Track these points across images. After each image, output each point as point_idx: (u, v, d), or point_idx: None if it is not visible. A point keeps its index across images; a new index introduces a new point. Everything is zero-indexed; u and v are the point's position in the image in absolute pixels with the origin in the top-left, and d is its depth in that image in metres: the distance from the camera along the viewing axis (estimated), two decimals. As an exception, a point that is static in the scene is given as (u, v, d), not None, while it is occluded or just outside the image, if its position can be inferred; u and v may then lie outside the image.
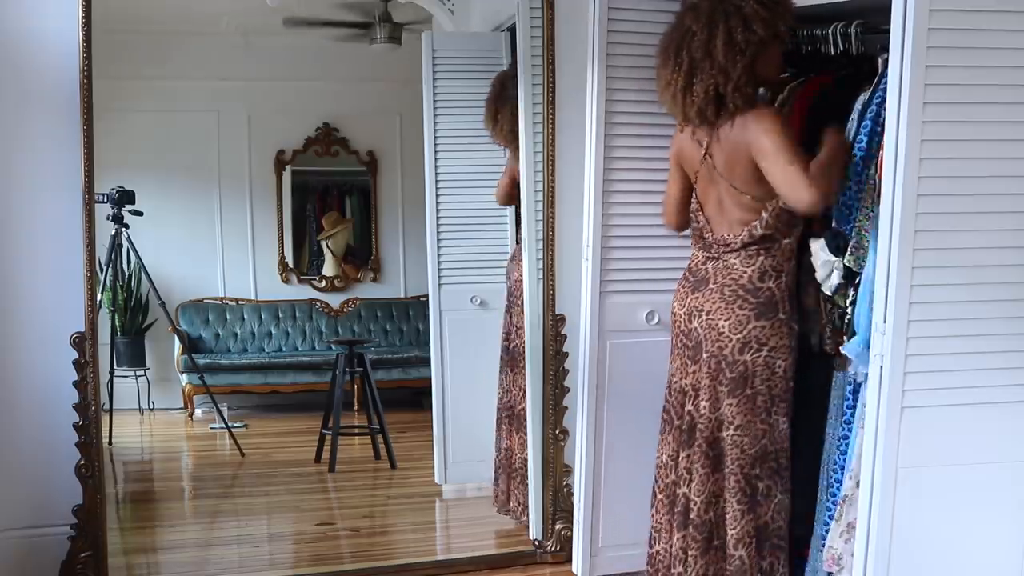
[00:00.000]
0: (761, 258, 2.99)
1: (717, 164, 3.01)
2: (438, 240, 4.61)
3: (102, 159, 3.46)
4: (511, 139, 4.26)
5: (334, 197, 6.51)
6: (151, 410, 5.32)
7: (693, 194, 3.17)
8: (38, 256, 3.48)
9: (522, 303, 4.14)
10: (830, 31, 3.01)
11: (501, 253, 4.51)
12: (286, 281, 6.27)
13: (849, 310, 2.90)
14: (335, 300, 6.32)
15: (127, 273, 5.10)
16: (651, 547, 3.25)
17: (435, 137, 4.58)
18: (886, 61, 2.57)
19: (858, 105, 2.89)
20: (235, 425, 5.44)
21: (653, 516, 3.25)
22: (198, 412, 5.65)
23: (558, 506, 3.95)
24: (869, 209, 2.80)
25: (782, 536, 3.06)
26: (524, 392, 4.14)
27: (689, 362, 3.13)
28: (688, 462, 3.11)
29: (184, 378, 5.68)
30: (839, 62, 3.05)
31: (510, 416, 4.30)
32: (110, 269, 4.67)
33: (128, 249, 4.63)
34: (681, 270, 3.21)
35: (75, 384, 3.42)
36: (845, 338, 2.94)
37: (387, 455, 5.22)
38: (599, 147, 3.46)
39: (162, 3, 5.11)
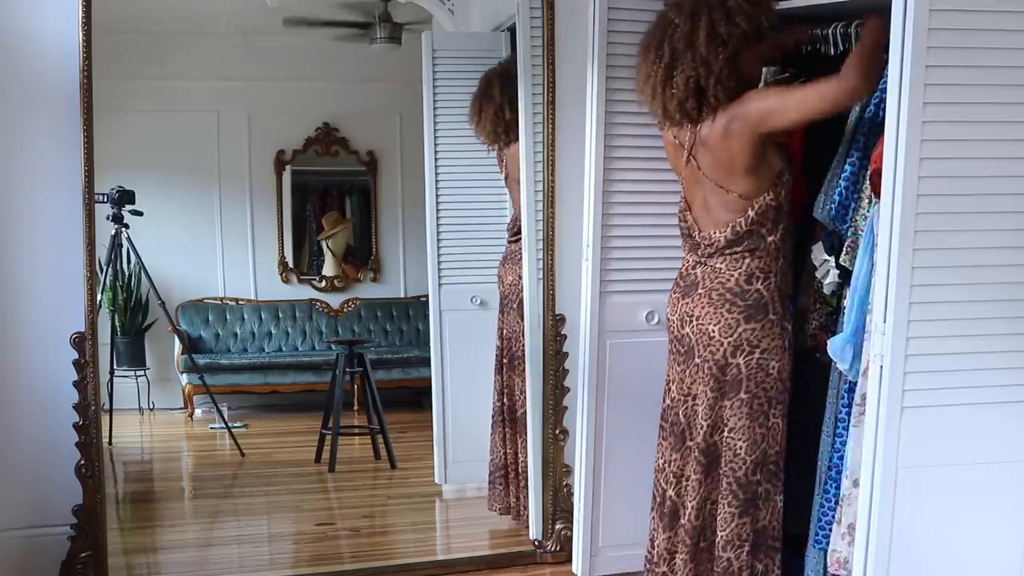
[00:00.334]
0: (747, 260, 2.98)
1: (702, 165, 2.99)
2: (438, 240, 4.61)
3: (102, 159, 3.46)
4: (493, 138, 4.28)
5: (334, 197, 6.51)
6: (151, 410, 5.32)
7: (680, 195, 3.16)
8: (38, 256, 3.48)
9: (517, 306, 4.15)
10: (830, 31, 3.01)
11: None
12: (286, 281, 6.27)
13: (844, 309, 2.90)
14: (335, 300, 6.33)
15: (127, 273, 5.09)
16: (648, 548, 3.25)
17: (435, 137, 4.58)
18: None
19: (856, 106, 2.89)
20: (235, 425, 5.44)
21: (652, 518, 3.25)
22: (198, 412, 5.65)
23: (558, 506, 3.95)
24: (866, 209, 2.80)
25: (777, 538, 3.06)
26: (523, 394, 4.14)
27: (682, 367, 3.13)
28: (679, 466, 3.11)
29: (184, 378, 5.68)
30: (839, 62, 3.04)
31: (507, 419, 4.30)
32: (110, 269, 4.67)
33: (128, 249, 4.63)
34: (681, 270, 3.21)
35: (75, 384, 3.42)
36: (827, 335, 2.95)
37: (387, 455, 5.22)
38: (599, 147, 3.46)
39: (162, 3, 5.11)
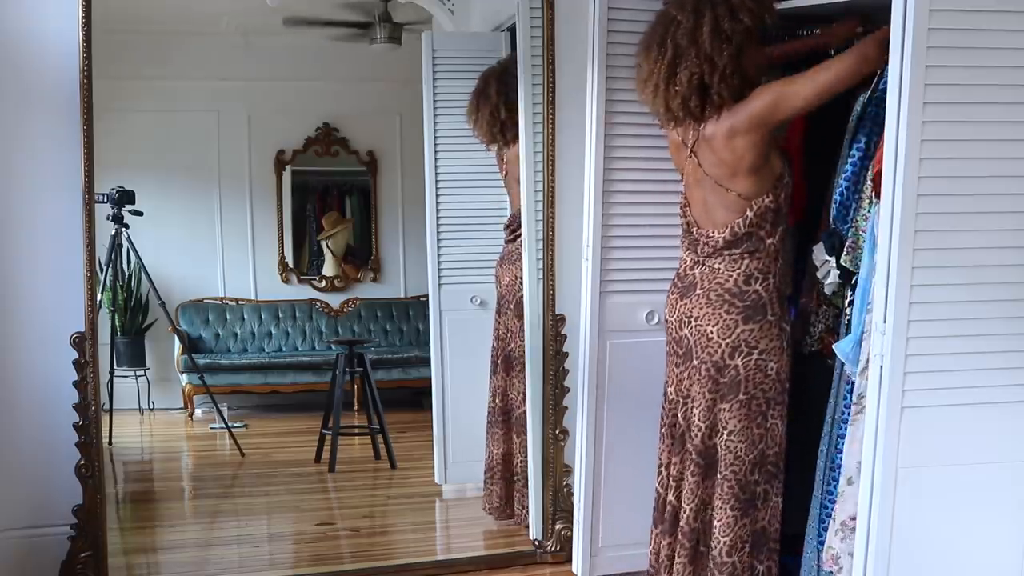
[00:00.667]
0: (746, 261, 2.97)
1: (703, 163, 2.98)
2: (438, 240, 4.61)
3: (102, 159, 3.46)
4: (489, 137, 4.28)
5: (334, 197, 6.50)
6: (151, 410, 5.32)
7: (681, 192, 3.16)
8: (38, 256, 3.48)
9: (514, 307, 4.15)
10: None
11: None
12: (286, 281, 6.27)
13: (848, 310, 2.90)
14: (335, 300, 6.32)
15: (127, 273, 5.09)
16: (652, 560, 3.25)
17: (435, 137, 4.58)
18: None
19: (857, 107, 2.89)
20: (235, 425, 5.44)
21: (653, 526, 3.25)
22: (198, 412, 5.65)
23: (558, 506, 3.95)
24: (866, 210, 2.80)
25: (776, 539, 3.06)
26: (520, 394, 4.14)
27: (679, 369, 3.12)
28: (679, 469, 3.11)
29: (184, 378, 5.68)
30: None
31: (506, 421, 4.30)
32: (110, 269, 4.67)
33: (128, 249, 4.63)
34: (681, 270, 3.21)
35: (75, 384, 3.42)
36: (834, 338, 2.95)
37: (387, 455, 5.21)
38: (599, 147, 3.46)
39: (162, 3, 5.11)
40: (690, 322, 3.04)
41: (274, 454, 5.51)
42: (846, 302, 2.92)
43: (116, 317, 5.19)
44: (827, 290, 2.96)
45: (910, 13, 2.33)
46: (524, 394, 4.10)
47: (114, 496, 4.59)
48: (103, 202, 4.16)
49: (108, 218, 4.39)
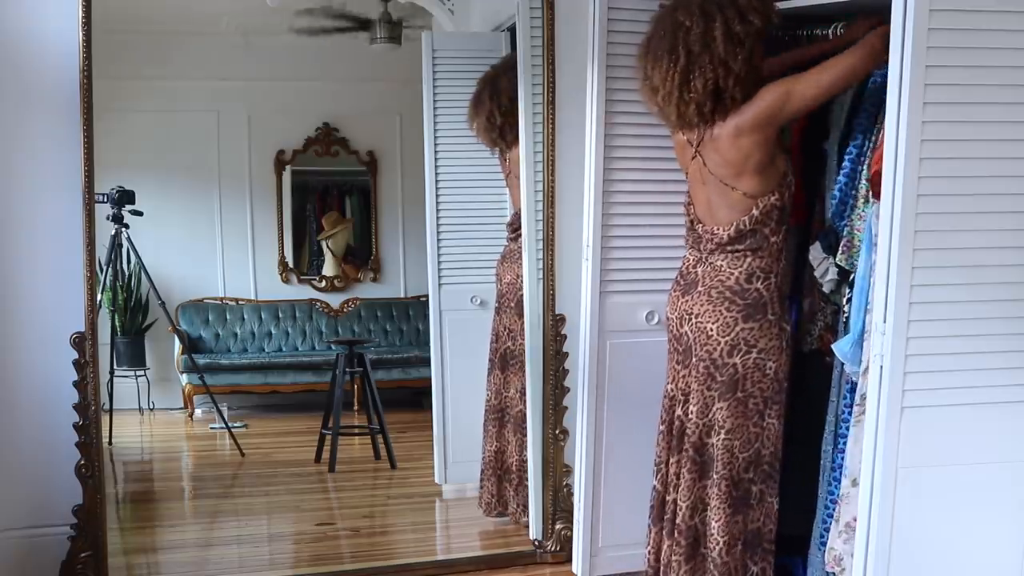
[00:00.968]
0: (748, 259, 2.97)
1: (708, 163, 2.98)
2: (438, 240, 4.61)
3: (102, 159, 3.45)
4: (490, 141, 4.29)
5: (334, 197, 6.50)
6: (151, 410, 5.32)
7: (685, 191, 3.15)
8: (38, 256, 3.48)
9: (515, 305, 4.15)
10: (830, 31, 3.01)
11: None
12: (286, 281, 6.26)
13: (846, 308, 2.90)
14: (335, 300, 6.32)
15: (127, 273, 5.09)
16: (651, 560, 3.25)
17: (435, 137, 4.58)
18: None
19: (846, 104, 2.89)
20: (235, 425, 5.44)
21: (651, 526, 3.25)
22: (198, 412, 5.65)
23: (558, 506, 3.95)
24: (862, 209, 2.80)
25: (772, 540, 3.06)
26: (518, 394, 4.14)
27: (679, 367, 3.12)
28: (676, 468, 3.11)
29: (184, 378, 5.68)
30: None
31: (501, 418, 4.30)
32: (110, 269, 4.67)
33: (128, 249, 4.63)
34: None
35: (75, 384, 3.42)
36: (832, 336, 2.95)
37: (387, 455, 5.21)
38: (599, 147, 3.46)
39: (162, 3, 5.11)
40: (690, 319, 3.04)
41: (274, 454, 5.51)
42: (844, 299, 2.92)
43: (116, 317, 5.19)
44: (825, 288, 2.96)
45: (910, 13, 2.33)
46: (520, 392, 4.11)
47: (114, 496, 4.59)
48: (103, 202, 4.16)
49: (108, 218, 4.39)
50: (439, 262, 4.61)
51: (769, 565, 3.05)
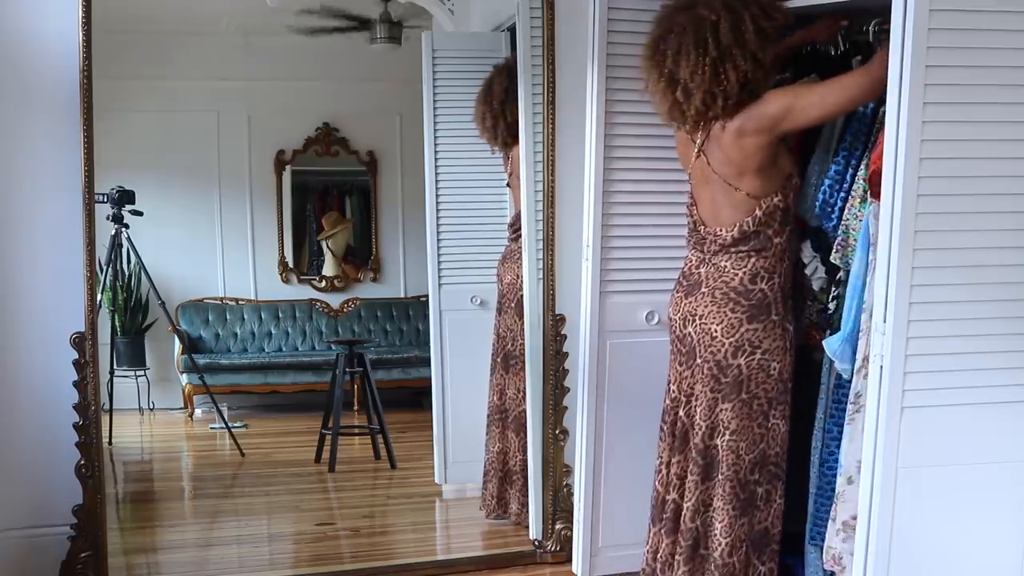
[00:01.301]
0: (752, 259, 2.97)
1: (711, 161, 2.98)
2: (438, 240, 4.61)
3: (102, 159, 3.45)
4: (495, 143, 4.29)
5: (334, 197, 6.50)
6: (151, 410, 5.32)
7: (688, 191, 3.15)
8: (38, 256, 3.48)
9: (515, 305, 4.15)
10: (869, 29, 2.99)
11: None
12: (286, 281, 6.27)
13: (831, 307, 2.91)
14: (335, 300, 6.32)
15: (127, 273, 5.09)
16: (649, 559, 3.25)
17: (435, 137, 4.58)
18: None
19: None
20: (235, 425, 5.44)
21: (651, 525, 3.24)
22: (198, 412, 5.65)
23: (558, 506, 3.95)
24: (858, 208, 2.80)
25: (778, 540, 3.06)
26: (520, 394, 4.14)
27: (682, 368, 3.12)
28: (679, 468, 3.10)
29: (184, 378, 5.68)
30: (840, 62, 3.05)
31: (504, 419, 4.30)
32: (110, 269, 4.67)
33: (128, 249, 4.63)
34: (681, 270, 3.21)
35: (75, 384, 3.42)
36: (818, 333, 2.95)
37: (387, 455, 5.21)
38: (599, 147, 3.46)
39: (162, 3, 5.11)
40: (694, 320, 3.04)
41: (274, 454, 5.51)
42: (829, 298, 2.92)
43: (116, 317, 5.19)
44: (815, 286, 2.97)
45: (910, 13, 2.33)
46: (522, 393, 4.10)
47: (114, 496, 4.60)
48: (103, 202, 4.16)
49: (108, 218, 4.39)
50: (439, 262, 4.61)
51: (775, 565, 3.05)
